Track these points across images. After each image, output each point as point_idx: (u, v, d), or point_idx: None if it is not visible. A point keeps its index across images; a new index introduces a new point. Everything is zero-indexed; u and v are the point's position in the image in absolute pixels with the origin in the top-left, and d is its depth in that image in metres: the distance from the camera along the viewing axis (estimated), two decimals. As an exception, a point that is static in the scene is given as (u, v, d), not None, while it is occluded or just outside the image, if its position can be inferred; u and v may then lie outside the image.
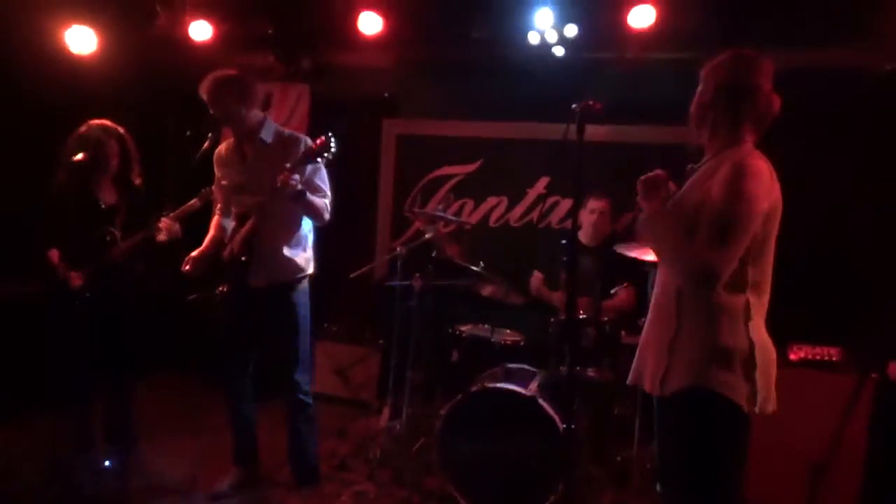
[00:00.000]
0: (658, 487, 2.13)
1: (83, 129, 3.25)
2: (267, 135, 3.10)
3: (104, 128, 3.27)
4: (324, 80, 5.23)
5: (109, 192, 3.32)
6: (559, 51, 4.39)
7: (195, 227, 3.41)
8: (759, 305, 1.92)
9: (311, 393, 3.31)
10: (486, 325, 4.05)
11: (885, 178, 4.05)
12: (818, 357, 3.49)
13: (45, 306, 3.40)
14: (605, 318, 3.65)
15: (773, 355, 1.94)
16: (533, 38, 4.31)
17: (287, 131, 3.20)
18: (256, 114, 3.11)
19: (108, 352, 3.29)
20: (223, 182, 3.21)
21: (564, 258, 3.79)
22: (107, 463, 3.37)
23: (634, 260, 3.27)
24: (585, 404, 3.55)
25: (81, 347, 3.24)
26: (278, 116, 5.14)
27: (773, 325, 1.98)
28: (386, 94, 5.30)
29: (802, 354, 3.50)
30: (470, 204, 5.12)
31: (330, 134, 2.82)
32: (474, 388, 3.38)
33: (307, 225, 3.22)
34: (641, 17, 4.02)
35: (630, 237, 3.53)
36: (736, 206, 1.80)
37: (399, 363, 4.08)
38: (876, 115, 4.05)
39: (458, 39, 4.57)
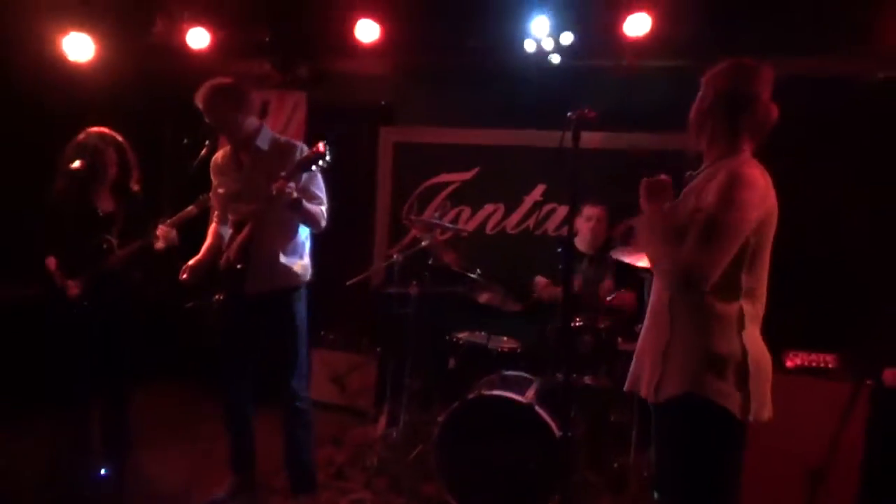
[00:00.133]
0: (655, 494, 2.13)
1: (81, 136, 3.25)
2: (263, 142, 3.11)
3: (102, 136, 3.27)
4: (321, 87, 5.25)
5: (107, 200, 3.32)
6: (555, 58, 4.41)
7: (192, 234, 3.42)
8: (754, 313, 1.92)
9: (308, 398, 3.30)
10: (482, 333, 4.05)
11: (880, 184, 4.07)
12: (814, 364, 3.49)
13: (43, 311, 3.39)
14: (602, 326, 3.65)
15: (769, 363, 1.94)
16: (529, 46, 4.34)
17: (283, 138, 3.21)
18: (252, 122, 3.12)
19: (106, 359, 3.28)
20: (220, 190, 3.21)
21: (560, 266, 3.80)
22: (103, 470, 3.36)
23: (629, 266, 3.28)
24: (582, 411, 3.55)
25: (79, 354, 3.23)
26: (275, 124, 5.15)
27: (768, 332, 1.98)
28: (383, 102, 5.31)
29: (798, 361, 3.51)
30: (467, 211, 5.13)
31: (325, 141, 2.83)
32: (471, 396, 3.38)
33: (304, 232, 3.22)
34: (637, 26, 4.05)
35: (626, 243, 3.54)
36: (726, 212, 1.81)
37: (396, 370, 4.08)
38: (870, 123, 4.08)
39: (455, 47, 4.60)
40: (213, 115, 3.02)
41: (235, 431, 3.34)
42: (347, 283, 4.07)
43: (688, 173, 2.10)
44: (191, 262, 3.15)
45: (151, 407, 4.24)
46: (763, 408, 1.90)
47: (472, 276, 3.85)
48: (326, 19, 4.58)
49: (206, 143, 3.10)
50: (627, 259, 3.29)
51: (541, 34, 4.25)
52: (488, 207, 5.08)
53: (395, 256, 4.16)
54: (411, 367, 4.07)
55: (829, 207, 4.17)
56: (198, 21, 4.66)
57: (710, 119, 2.01)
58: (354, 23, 4.46)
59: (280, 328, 3.15)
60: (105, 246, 3.24)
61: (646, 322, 2.11)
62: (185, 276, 3.11)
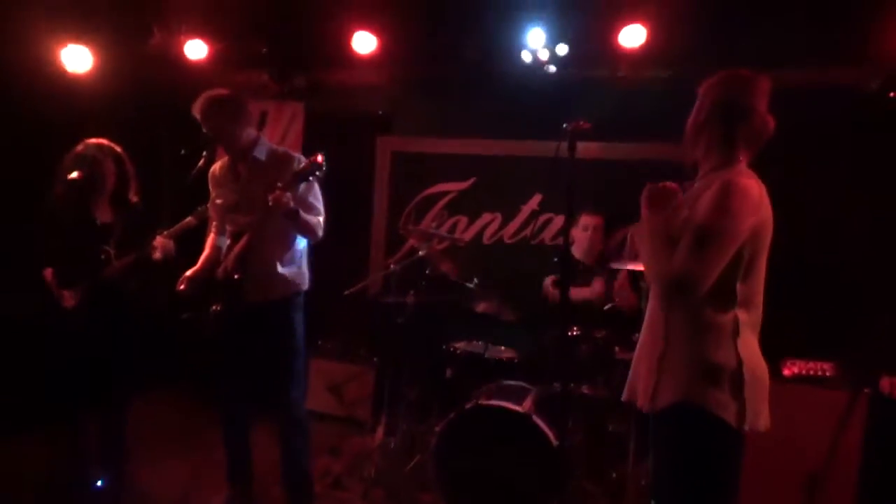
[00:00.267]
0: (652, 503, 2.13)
1: (80, 147, 3.26)
2: (260, 153, 3.12)
3: (100, 147, 3.28)
4: (318, 97, 5.27)
5: (105, 211, 3.32)
6: (551, 69, 4.44)
7: (189, 245, 3.42)
8: (751, 321, 1.93)
9: (305, 409, 3.29)
10: (480, 342, 4.05)
11: (876, 193, 4.09)
12: (812, 372, 3.50)
13: (39, 323, 3.39)
14: (599, 335, 3.66)
15: (765, 372, 1.94)
16: (525, 57, 4.37)
17: (281, 149, 3.22)
18: (250, 132, 3.14)
19: (102, 370, 3.27)
20: (217, 201, 3.22)
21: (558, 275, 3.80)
22: (101, 481, 3.35)
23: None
24: (580, 420, 3.54)
25: (75, 365, 3.22)
26: (273, 134, 5.17)
27: (766, 341, 1.99)
28: (380, 112, 5.33)
29: (796, 370, 3.52)
30: (464, 221, 5.14)
31: (322, 152, 2.85)
32: (469, 405, 3.38)
33: (301, 242, 3.22)
34: (632, 37, 4.08)
35: (620, 253, 3.55)
36: (718, 221, 1.82)
37: (393, 380, 4.07)
38: (864, 132, 4.10)
39: (452, 58, 4.62)
40: (210, 125, 3.03)
41: (232, 442, 3.33)
42: (345, 293, 4.08)
43: (684, 183, 2.11)
44: (188, 273, 3.15)
45: (148, 418, 4.22)
46: (759, 417, 1.89)
47: (469, 285, 3.85)
48: (323, 31, 4.60)
49: (204, 154, 3.10)
50: (628, 267, 3.29)
51: (537, 45, 4.28)
52: (485, 217, 5.09)
53: (392, 266, 4.17)
54: (409, 377, 4.07)
55: (825, 216, 4.18)
56: (195, 32, 4.69)
57: (706, 130, 2.02)
58: (351, 34, 4.49)
59: (277, 338, 3.15)
60: (103, 257, 3.24)
61: (642, 332, 2.12)
62: (182, 286, 3.11)
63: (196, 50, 4.71)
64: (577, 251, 4.14)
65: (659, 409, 1.94)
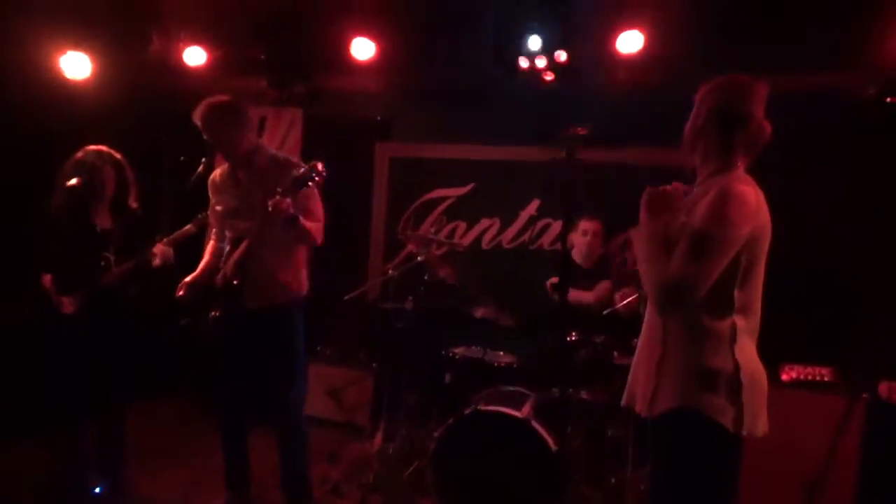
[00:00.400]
0: (651, 509, 2.13)
1: (80, 154, 3.26)
2: (260, 159, 3.13)
3: (100, 153, 3.28)
4: (317, 104, 5.28)
5: (105, 217, 3.33)
6: (549, 76, 4.45)
7: (188, 253, 3.43)
8: (748, 328, 1.93)
9: (304, 415, 3.29)
10: (479, 347, 4.05)
11: (873, 198, 4.11)
12: (810, 377, 3.51)
13: (37, 330, 3.39)
14: (598, 340, 3.66)
15: (763, 377, 1.94)
16: (523, 63, 4.38)
17: (281, 155, 3.24)
18: (250, 139, 3.15)
19: (101, 376, 3.27)
20: (217, 207, 3.23)
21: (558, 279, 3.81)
22: (99, 487, 3.34)
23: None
24: (579, 426, 3.54)
25: (74, 371, 3.22)
26: (272, 140, 5.18)
27: (764, 346, 1.99)
28: (379, 118, 5.35)
29: (794, 375, 3.52)
30: (462, 226, 5.15)
31: (322, 158, 2.86)
32: (467, 411, 3.38)
33: (302, 248, 3.23)
34: (630, 43, 4.09)
35: (623, 255, 3.56)
36: (715, 228, 1.81)
37: (392, 386, 4.07)
38: (862, 137, 4.12)
39: (450, 64, 4.64)
40: (210, 132, 3.04)
41: (231, 448, 3.32)
42: (344, 298, 4.08)
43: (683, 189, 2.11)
44: (187, 279, 3.16)
45: (147, 423, 4.22)
46: (757, 422, 1.89)
47: (467, 291, 3.86)
48: (322, 37, 4.62)
49: (203, 160, 3.11)
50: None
51: (534, 52, 4.29)
52: (484, 222, 5.11)
53: (391, 271, 4.18)
54: (407, 382, 4.07)
55: (824, 221, 4.19)
56: (194, 39, 4.71)
57: (704, 136, 2.02)
58: (350, 41, 4.51)
59: (276, 344, 3.15)
60: (103, 263, 3.24)
61: (641, 337, 2.12)
62: (181, 292, 3.11)
63: (195, 56, 4.73)
64: (576, 256, 4.15)
65: (657, 414, 1.94)
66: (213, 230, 3.35)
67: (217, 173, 3.27)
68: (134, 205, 3.40)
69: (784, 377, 3.53)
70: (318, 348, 4.96)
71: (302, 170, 2.89)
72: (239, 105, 3.13)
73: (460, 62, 4.58)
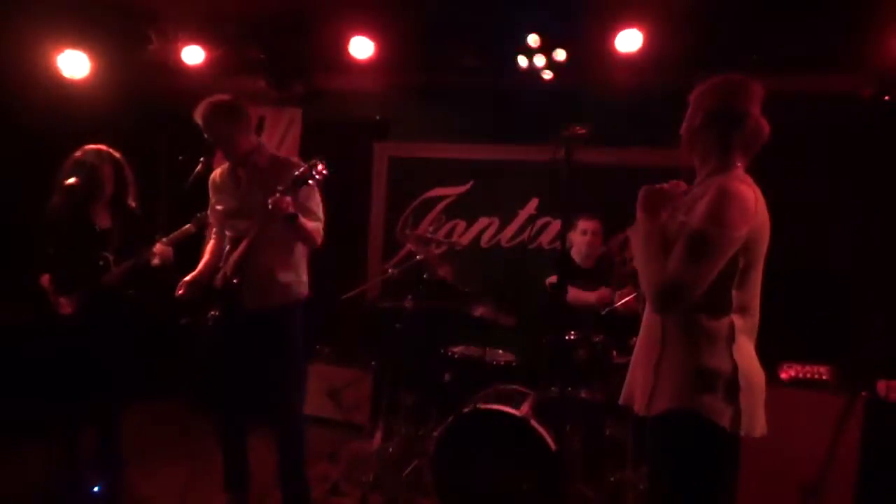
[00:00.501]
0: (649, 508, 2.13)
1: (78, 153, 3.26)
2: (261, 159, 3.13)
3: (99, 152, 3.28)
4: (316, 103, 5.28)
5: (104, 217, 3.32)
6: (547, 74, 4.45)
7: (186, 251, 3.42)
8: (746, 328, 1.92)
9: (303, 416, 3.29)
10: (478, 346, 4.05)
11: (871, 198, 4.11)
12: (808, 376, 3.51)
13: (35, 331, 3.38)
14: (597, 339, 3.66)
15: (762, 378, 1.94)
16: (522, 62, 4.38)
17: (281, 155, 3.24)
18: (250, 139, 3.15)
19: (99, 376, 3.27)
20: (217, 207, 3.22)
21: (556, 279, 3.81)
22: (96, 489, 3.34)
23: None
24: (578, 425, 3.55)
25: (72, 371, 3.22)
26: (270, 140, 5.18)
27: (763, 344, 1.98)
28: (377, 117, 5.35)
29: (793, 373, 3.53)
30: (461, 225, 5.15)
31: (322, 157, 2.86)
32: (467, 410, 3.38)
33: (301, 249, 3.22)
34: (629, 41, 4.09)
35: (622, 254, 3.57)
36: (713, 228, 1.81)
37: (391, 385, 4.07)
38: (857, 138, 4.12)
39: (449, 63, 4.63)
40: (211, 131, 3.04)
41: (229, 449, 3.32)
42: (343, 298, 4.08)
43: (682, 189, 2.11)
44: (187, 279, 3.15)
45: (146, 423, 4.22)
46: (755, 423, 1.89)
47: (466, 290, 3.86)
48: (321, 36, 4.62)
49: (202, 159, 3.11)
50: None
51: (533, 50, 4.29)
52: (483, 221, 5.11)
53: (390, 271, 4.18)
54: (407, 381, 4.07)
55: (822, 221, 4.20)
56: (193, 38, 4.70)
57: (701, 136, 2.02)
58: (348, 40, 4.51)
59: (275, 345, 3.14)
60: (102, 263, 3.24)
61: (639, 336, 2.12)
62: (181, 291, 3.11)
63: (193, 56, 4.72)
64: (575, 255, 4.15)
65: (655, 414, 1.94)
66: (214, 230, 3.34)
67: (217, 173, 3.27)
68: (133, 204, 3.40)
69: (783, 376, 3.53)
70: (318, 347, 4.96)
71: (302, 168, 2.89)
72: (240, 104, 3.13)
73: (459, 61, 4.57)
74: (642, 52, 4.12)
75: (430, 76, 4.96)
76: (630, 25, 4.07)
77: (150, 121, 5.21)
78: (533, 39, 4.26)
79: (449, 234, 5.13)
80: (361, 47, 4.51)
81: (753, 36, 3.93)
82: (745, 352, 1.91)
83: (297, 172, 2.89)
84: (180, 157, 3.38)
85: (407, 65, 4.82)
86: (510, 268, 4.90)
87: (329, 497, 3.63)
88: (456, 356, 4.02)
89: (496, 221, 5.08)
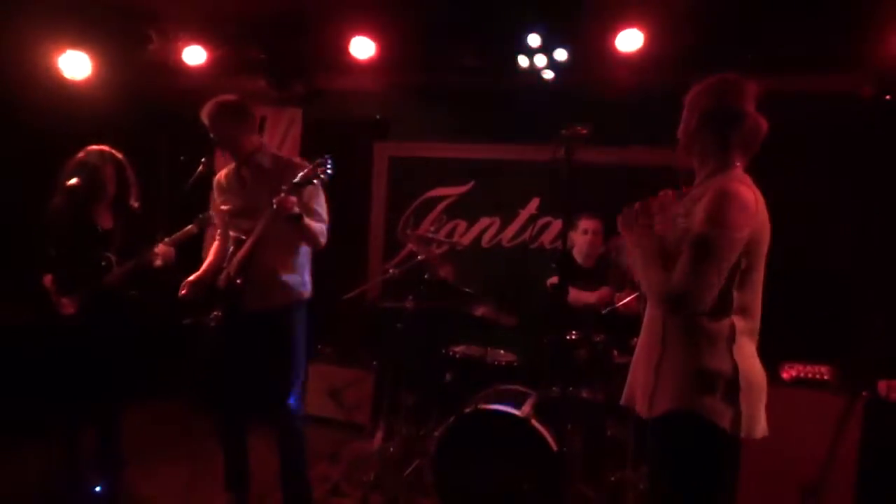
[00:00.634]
0: (650, 509, 2.13)
1: (81, 154, 3.27)
2: (265, 159, 3.14)
3: (101, 153, 3.29)
4: (316, 103, 5.28)
5: (106, 217, 3.33)
6: (548, 74, 4.45)
7: (187, 252, 3.43)
8: (747, 329, 1.92)
9: (304, 416, 3.29)
10: (479, 346, 4.05)
11: (871, 197, 4.11)
12: (810, 375, 3.51)
13: (36, 331, 3.39)
14: (598, 339, 3.66)
15: (763, 379, 1.94)
16: (522, 62, 4.38)
17: (286, 156, 3.26)
18: (255, 139, 3.17)
19: (100, 376, 3.27)
20: (223, 207, 3.23)
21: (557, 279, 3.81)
22: (97, 488, 3.35)
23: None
24: (579, 425, 3.54)
25: (73, 372, 3.22)
26: (271, 140, 5.18)
27: (764, 344, 1.98)
28: (378, 117, 5.35)
29: (794, 373, 3.52)
30: (462, 225, 5.15)
31: (327, 156, 2.87)
32: (468, 410, 3.38)
33: (305, 250, 3.22)
34: (629, 41, 4.09)
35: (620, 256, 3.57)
36: (715, 232, 1.81)
37: (392, 385, 4.07)
38: (858, 138, 4.12)
39: (449, 62, 4.63)
40: (217, 130, 3.05)
41: (230, 449, 3.32)
42: (344, 298, 4.08)
43: (682, 190, 2.11)
44: (191, 278, 3.15)
45: (147, 423, 4.22)
46: (756, 424, 1.88)
47: (467, 290, 3.86)
48: (322, 36, 4.62)
49: (203, 160, 3.11)
50: None
51: (534, 50, 4.29)
52: (484, 221, 5.11)
53: (391, 271, 4.18)
54: (408, 381, 4.07)
55: (823, 220, 4.20)
56: (194, 39, 4.70)
57: (699, 137, 2.02)
58: (349, 40, 4.51)
59: (276, 346, 3.14)
60: (104, 263, 3.24)
61: (640, 337, 2.12)
62: (184, 291, 3.11)
63: (195, 56, 4.72)
64: (576, 255, 4.15)
65: (655, 415, 1.94)
66: (219, 230, 3.34)
67: (223, 173, 3.28)
68: (135, 205, 3.40)
69: (784, 375, 3.53)
70: (319, 347, 4.96)
71: (307, 168, 2.90)
72: (245, 104, 3.15)
73: (460, 60, 4.57)
74: (643, 51, 4.11)
75: (431, 76, 4.96)
76: (631, 25, 4.06)
77: (151, 121, 5.22)
78: (534, 39, 4.26)
79: (450, 234, 5.13)
80: (362, 47, 4.51)
81: (754, 36, 3.92)
82: (747, 353, 1.90)
83: (302, 172, 2.90)
84: (181, 158, 3.39)
85: (407, 64, 4.82)
86: (511, 268, 4.91)
87: (330, 497, 3.63)
88: (457, 356, 4.02)
89: (497, 221, 5.08)
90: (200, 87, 4.56)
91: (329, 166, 2.87)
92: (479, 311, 4.01)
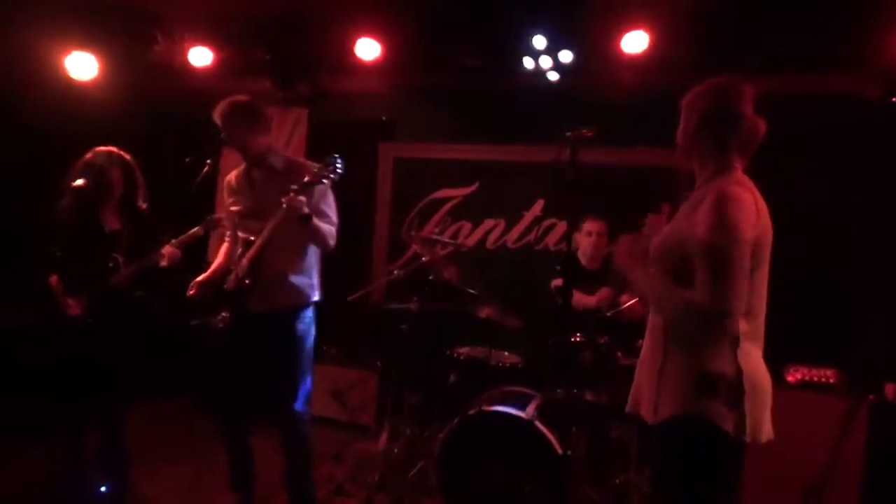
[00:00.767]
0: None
1: (89, 155, 3.28)
2: (276, 161, 3.16)
3: (109, 155, 3.29)
4: (321, 104, 5.29)
5: (113, 218, 3.34)
6: (553, 76, 4.45)
7: (191, 253, 3.44)
8: (751, 332, 1.91)
9: (309, 417, 3.29)
10: (483, 348, 4.05)
11: (878, 198, 4.10)
12: (815, 379, 3.50)
13: (42, 332, 3.40)
14: (602, 341, 3.66)
15: (767, 383, 1.93)
16: (528, 64, 4.38)
17: (297, 158, 3.27)
18: (266, 140, 3.18)
19: (106, 377, 3.28)
20: (233, 208, 3.23)
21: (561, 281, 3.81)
22: (103, 488, 3.35)
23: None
24: (583, 427, 3.54)
25: (79, 372, 3.23)
26: (277, 140, 5.18)
27: (769, 347, 1.97)
28: (383, 118, 5.35)
29: (800, 376, 3.51)
30: (467, 226, 5.16)
31: (336, 155, 2.88)
32: (472, 411, 3.38)
33: (314, 253, 3.23)
34: (635, 43, 4.09)
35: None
36: (723, 240, 1.80)
37: (396, 386, 4.07)
38: (864, 139, 4.11)
39: (454, 64, 4.63)
40: (229, 130, 3.07)
41: (234, 450, 3.32)
42: (348, 299, 4.08)
43: (684, 194, 2.11)
44: (199, 279, 3.15)
45: (152, 423, 4.24)
46: (761, 428, 1.87)
47: (472, 291, 3.85)
48: (327, 38, 4.63)
49: (208, 161, 3.12)
50: None
51: (539, 52, 4.29)
52: (488, 222, 5.11)
53: (395, 272, 4.18)
54: (412, 383, 4.07)
55: (829, 222, 4.19)
56: (199, 40, 4.72)
57: (698, 141, 2.02)
58: (355, 41, 4.51)
59: (283, 348, 3.14)
60: (111, 264, 3.25)
61: (644, 342, 2.11)
62: (192, 292, 3.12)
63: (200, 57, 4.74)
64: (581, 257, 4.14)
65: (661, 420, 1.94)
66: (228, 233, 3.35)
67: (233, 175, 3.29)
68: (143, 206, 3.41)
69: (789, 378, 3.52)
70: (324, 348, 4.96)
71: (317, 168, 2.91)
72: (258, 105, 3.17)
73: (464, 62, 4.58)
74: (648, 53, 4.11)
75: (436, 77, 4.96)
76: (636, 27, 4.06)
77: (157, 122, 5.23)
78: (539, 40, 4.26)
79: (455, 235, 5.13)
80: (367, 48, 4.51)
81: (759, 37, 3.91)
82: (751, 356, 1.89)
83: (312, 171, 2.91)
84: (187, 159, 3.40)
85: (412, 66, 4.82)
86: (516, 269, 4.91)
87: (334, 497, 3.64)
88: (461, 357, 4.01)
89: (502, 223, 5.08)
90: (206, 88, 4.58)
91: (339, 165, 2.88)
92: (484, 312, 4.01)
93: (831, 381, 3.46)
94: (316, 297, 3.24)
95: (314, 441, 3.32)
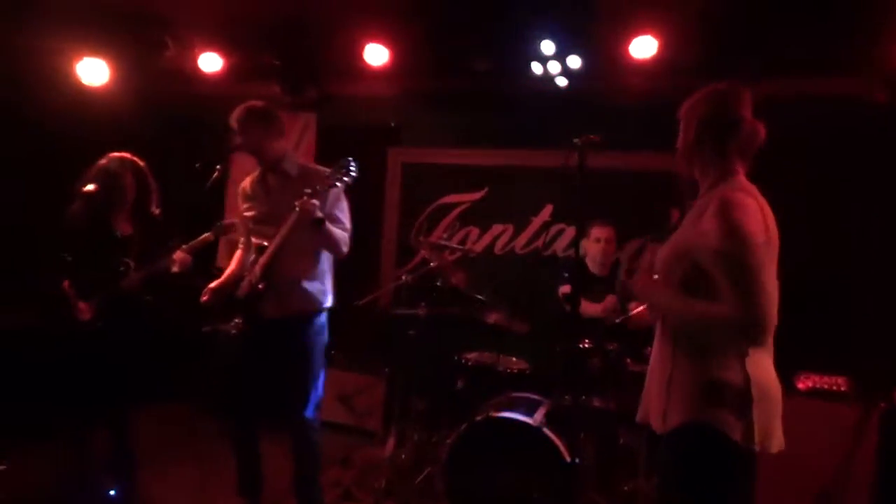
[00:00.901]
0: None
1: (102, 161, 3.30)
2: (291, 167, 3.17)
3: (122, 160, 3.31)
4: (330, 109, 5.31)
5: (126, 223, 3.35)
6: (562, 81, 4.45)
7: (199, 258, 3.45)
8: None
9: (319, 423, 3.29)
10: (491, 353, 4.04)
11: (887, 204, 4.07)
12: (826, 387, 3.47)
13: (49, 336, 3.41)
14: (611, 347, 3.64)
15: (777, 391, 1.91)
16: (536, 69, 4.38)
17: (311, 165, 3.28)
18: (281, 145, 3.19)
19: (115, 380, 3.29)
20: (247, 213, 3.25)
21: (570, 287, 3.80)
22: (112, 492, 3.36)
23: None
24: (592, 434, 3.52)
25: (89, 376, 3.24)
26: (285, 144, 5.20)
27: (779, 354, 1.95)
28: (392, 123, 5.36)
29: (811, 384, 3.49)
30: (475, 232, 5.15)
31: (350, 159, 2.90)
32: (480, 417, 3.37)
33: (327, 260, 3.23)
34: (643, 48, 4.09)
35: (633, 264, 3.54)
36: (738, 246, 1.79)
37: (404, 391, 4.06)
38: (871, 144, 4.08)
39: (463, 69, 4.64)
40: (245, 135, 3.09)
41: (243, 455, 3.32)
42: (357, 304, 4.09)
43: (688, 202, 2.10)
44: (212, 285, 3.16)
45: (161, 429, 4.24)
46: (771, 436, 1.86)
47: (479, 297, 3.85)
48: (335, 43, 4.65)
49: (218, 166, 3.14)
50: None
51: (547, 57, 4.29)
52: (497, 228, 5.10)
53: (403, 277, 4.18)
54: (419, 388, 4.07)
55: (838, 229, 4.16)
56: (208, 45, 4.75)
57: (698, 148, 2.03)
58: (363, 47, 4.53)
59: (296, 354, 3.13)
60: (122, 269, 3.27)
61: (653, 351, 2.10)
62: (206, 297, 3.12)
63: (210, 63, 4.77)
64: (589, 263, 4.12)
65: (669, 429, 1.93)
66: (242, 239, 3.36)
67: (248, 181, 3.31)
68: (156, 211, 3.42)
69: (800, 386, 3.50)
70: (331, 353, 4.95)
71: (329, 171, 2.91)
72: (274, 111, 3.19)
73: (473, 68, 4.58)
74: (657, 58, 4.11)
75: (444, 82, 4.97)
76: (644, 32, 4.06)
77: (167, 127, 5.26)
78: (547, 46, 4.26)
79: (463, 240, 5.13)
80: (376, 54, 4.53)
81: (766, 41, 3.90)
82: (759, 363, 1.87)
83: (325, 176, 2.92)
84: (196, 165, 3.42)
85: (420, 71, 4.83)
86: (524, 275, 4.89)
87: (341, 502, 3.64)
88: (469, 363, 4.01)
89: (510, 228, 5.07)
90: (215, 93, 4.61)
91: (353, 169, 2.89)
92: (492, 318, 4.00)
93: (842, 388, 3.44)
94: (329, 304, 3.24)
95: (321, 446, 3.32)
